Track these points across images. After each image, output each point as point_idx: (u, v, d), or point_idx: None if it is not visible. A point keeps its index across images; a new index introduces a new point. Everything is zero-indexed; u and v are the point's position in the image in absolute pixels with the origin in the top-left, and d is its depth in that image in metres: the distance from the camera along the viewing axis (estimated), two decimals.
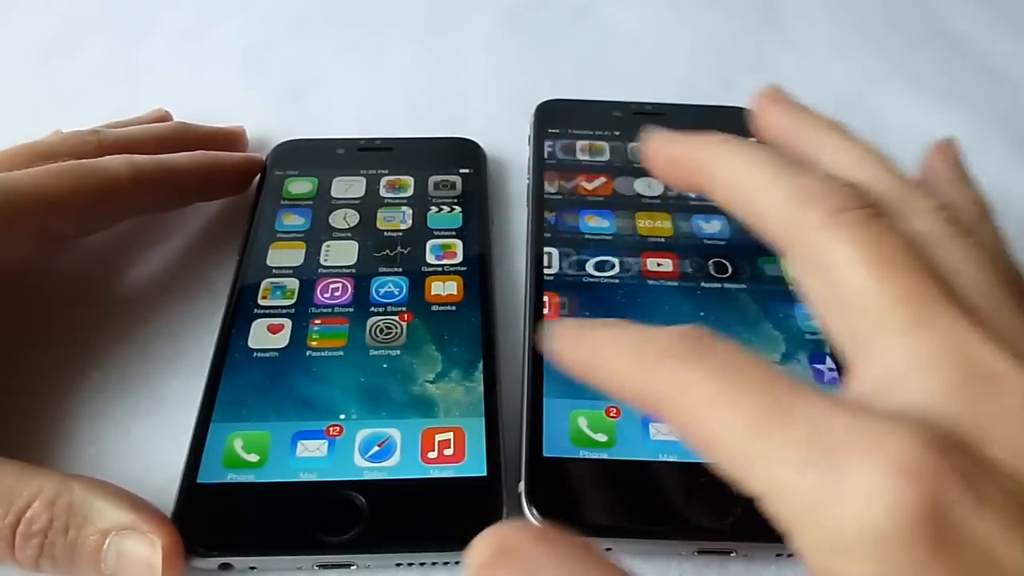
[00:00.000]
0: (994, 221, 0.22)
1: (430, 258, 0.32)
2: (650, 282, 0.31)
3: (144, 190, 0.30)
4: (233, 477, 0.24)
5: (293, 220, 0.33)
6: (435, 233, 0.33)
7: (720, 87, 0.43)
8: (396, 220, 0.33)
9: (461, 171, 0.36)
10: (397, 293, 0.30)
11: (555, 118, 0.38)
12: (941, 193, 0.22)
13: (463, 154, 0.37)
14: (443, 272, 0.31)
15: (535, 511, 0.24)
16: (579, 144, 0.37)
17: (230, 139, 0.37)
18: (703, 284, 0.31)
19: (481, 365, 0.28)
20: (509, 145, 0.38)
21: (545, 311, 0.30)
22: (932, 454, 0.15)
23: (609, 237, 0.33)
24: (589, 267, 0.31)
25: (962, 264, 0.19)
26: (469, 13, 0.48)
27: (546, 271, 0.31)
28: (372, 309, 0.30)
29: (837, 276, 0.18)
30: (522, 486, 0.24)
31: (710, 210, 0.33)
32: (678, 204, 0.34)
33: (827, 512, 0.15)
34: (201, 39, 0.45)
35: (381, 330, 0.29)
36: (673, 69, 0.44)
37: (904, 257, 0.18)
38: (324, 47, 0.45)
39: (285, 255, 0.32)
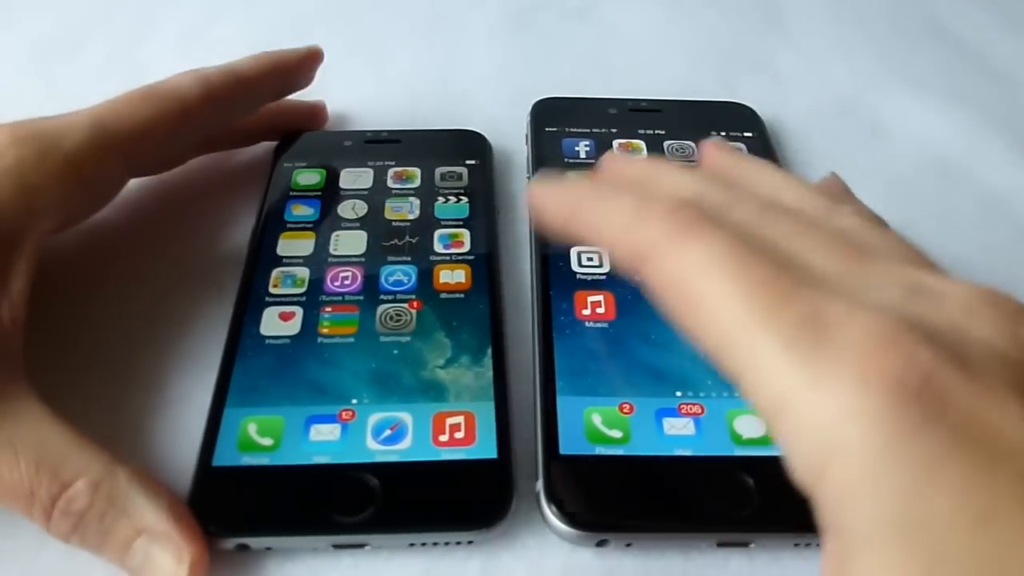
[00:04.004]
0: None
1: (438, 247, 0.32)
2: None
3: (216, 104, 0.30)
4: (248, 460, 0.24)
5: (302, 210, 0.33)
6: (442, 223, 0.33)
7: (720, 87, 0.43)
8: (404, 210, 0.33)
9: (467, 162, 0.36)
10: (406, 281, 0.30)
11: (552, 116, 0.38)
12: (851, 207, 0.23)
13: (469, 146, 0.37)
14: (451, 261, 0.31)
15: (554, 509, 0.24)
16: (577, 142, 0.37)
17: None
18: None
19: (490, 351, 0.28)
20: (512, 145, 0.38)
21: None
22: (917, 332, 0.16)
23: None
24: (592, 264, 0.31)
25: (879, 240, 0.20)
26: (471, 13, 0.48)
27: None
28: (382, 297, 0.30)
29: (693, 282, 0.18)
30: (540, 484, 0.24)
31: None
32: None
33: (823, 389, 0.16)
34: (201, 39, 0.45)
35: (391, 317, 0.29)
36: (673, 69, 0.45)
37: (823, 236, 0.19)
38: (325, 47, 0.45)
39: (295, 245, 0.32)
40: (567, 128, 0.38)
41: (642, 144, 0.37)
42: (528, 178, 0.36)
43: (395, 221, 0.33)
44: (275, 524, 0.23)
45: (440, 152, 0.36)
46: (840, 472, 0.15)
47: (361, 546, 0.24)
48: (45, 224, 0.26)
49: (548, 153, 0.36)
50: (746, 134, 0.38)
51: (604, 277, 0.31)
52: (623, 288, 0.30)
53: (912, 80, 0.44)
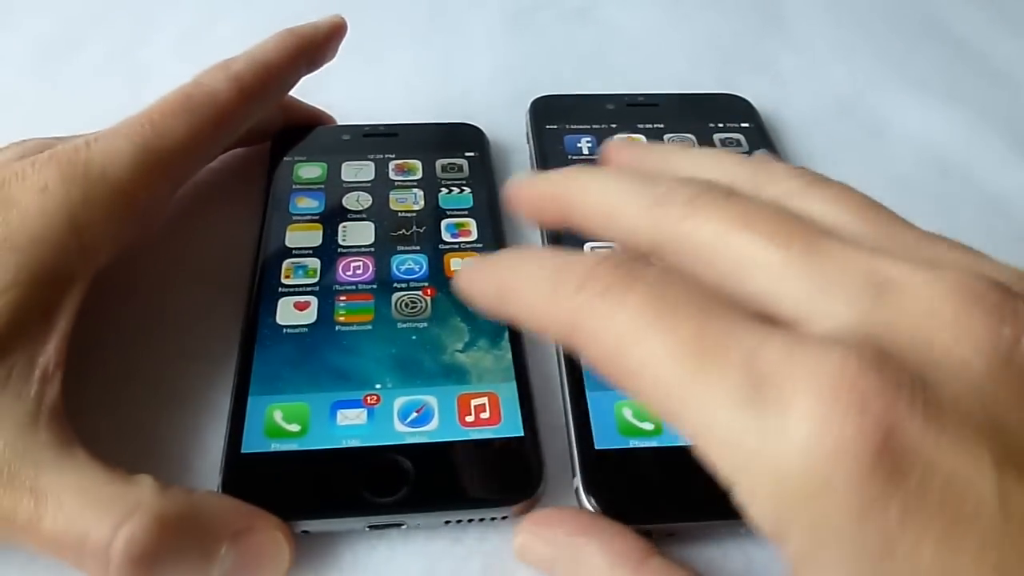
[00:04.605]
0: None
1: (446, 236, 0.32)
2: None
3: (250, 101, 0.30)
4: (277, 446, 0.25)
5: (307, 203, 0.34)
6: (448, 213, 0.33)
7: (721, 87, 0.43)
8: (409, 201, 0.34)
9: (467, 154, 0.36)
10: (417, 270, 0.31)
11: (550, 113, 0.39)
12: (783, 165, 0.22)
13: (466, 138, 0.37)
14: (460, 249, 0.32)
15: (594, 503, 0.24)
16: (579, 138, 0.38)
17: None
18: None
19: (507, 334, 0.29)
20: (512, 144, 0.39)
21: None
22: (872, 373, 0.14)
23: None
24: None
25: (823, 205, 0.19)
26: (470, 13, 0.48)
27: None
28: (395, 285, 0.30)
29: (712, 250, 0.18)
30: (577, 481, 0.25)
31: None
32: None
33: (770, 451, 0.15)
34: (201, 39, 0.45)
35: (406, 304, 0.29)
36: (673, 69, 0.45)
37: (767, 213, 0.18)
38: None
39: (303, 236, 0.32)
40: (567, 125, 0.38)
41: (642, 139, 0.38)
42: None
43: (401, 212, 0.33)
44: (310, 507, 0.24)
45: (438, 145, 0.37)
46: (797, 545, 0.15)
47: (397, 526, 0.24)
48: (98, 260, 0.26)
49: (551, 150, 0.37)
50: (743, 125, 0.39)
51: None
52: None
53: (912, 80, 0.44)
